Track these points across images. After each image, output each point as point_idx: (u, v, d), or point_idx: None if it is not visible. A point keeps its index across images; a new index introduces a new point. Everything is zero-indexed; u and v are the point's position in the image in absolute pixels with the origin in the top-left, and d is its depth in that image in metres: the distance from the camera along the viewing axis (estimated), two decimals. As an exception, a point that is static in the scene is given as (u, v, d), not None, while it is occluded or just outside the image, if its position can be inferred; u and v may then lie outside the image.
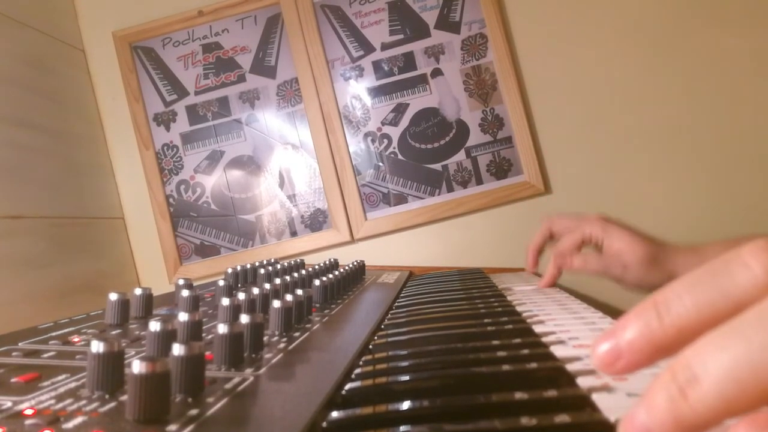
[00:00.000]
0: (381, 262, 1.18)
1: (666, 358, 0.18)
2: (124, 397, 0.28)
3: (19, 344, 0.41)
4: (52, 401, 0.29)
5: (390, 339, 0.48)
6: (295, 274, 0.65)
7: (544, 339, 0.43)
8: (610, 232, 0.71)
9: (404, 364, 0.39)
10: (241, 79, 1.24)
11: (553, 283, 0.75)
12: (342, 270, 0.73)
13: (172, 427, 0.25)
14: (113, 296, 0.49)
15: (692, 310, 0.18)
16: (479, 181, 1.18)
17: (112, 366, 0.29)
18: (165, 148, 1.25)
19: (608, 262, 0.70)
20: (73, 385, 0.31)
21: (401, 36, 1.21)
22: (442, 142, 1.19)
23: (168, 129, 1.25)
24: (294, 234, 1.21)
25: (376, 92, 1.21)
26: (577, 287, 1.12)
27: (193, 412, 0.27)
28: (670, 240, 0.71)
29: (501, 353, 0.39)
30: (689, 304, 0.18)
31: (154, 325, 0.35)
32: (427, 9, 1.21)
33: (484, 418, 0.28)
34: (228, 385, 0.31)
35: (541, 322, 0.50)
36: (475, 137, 1.18)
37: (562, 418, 0.27)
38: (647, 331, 0.19)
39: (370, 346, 0.46)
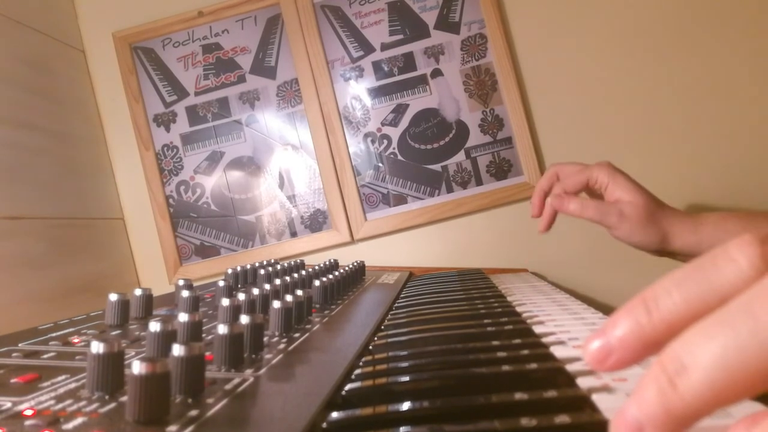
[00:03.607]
0: (381, 262, 1.18)
1: (657, 353, 0.18)
2: (124, 398, 0.28)
3: (19, 345, 0.41)
4: (52, 402, 0.29)
5: (390, 340, 0.48)
6: (295, 275, 0.65)
7: (544, 339, 0.43)
8: (616, 179, 0.69)
9: (404, 364, 0.39)
10: (241, 79, 1.24)
11: (550, 225, 0.72)
12: (342, 270, 0.73)
13: (172, 427, 0.25)
14: (113, 297, 0.49)
15: (681, 305, 0.18)
16: (479, 182, 1.18)
17: (111, 367, 0.29)
18: (165, 148, 1.25)
19: (606, 209, 0.68)
20: (73, 385, 0.31)
21: (401, 36, 1.21)
22: (442, 142, 1.19)
23: (168, 130, 1.25)
24: (294, 234, 1.21)
25: (376, 93, 1.21)
26: (577, 287, 1.12)
27: (193, 412, 0.27)
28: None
29: (501, 354, 0.39)
30: (678, 299, 0.18)
31: (154, 326, 0.35)
32: (427, 9, 1.21)
33: (484, 419, 0.28)
34: (228, 386, 0.31)
35: (540, 322, 0.50)
36: (475, 138, 1.18)
37: (562, 419, 0.27)
38: (637, 327, 0.19)
39: (370, 347, 0.46)
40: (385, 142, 1.20)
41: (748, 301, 0.16)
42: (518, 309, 0.57)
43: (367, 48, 1.22)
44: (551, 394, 0.30)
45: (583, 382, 0.32)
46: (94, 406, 0.28)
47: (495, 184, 1.17)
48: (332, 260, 0.89)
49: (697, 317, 0.17)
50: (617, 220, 0.67)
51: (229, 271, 0.77)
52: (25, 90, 1.05)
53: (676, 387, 0.16)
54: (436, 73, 1.20)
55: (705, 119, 1.14)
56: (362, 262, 0.91)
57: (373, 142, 1.21)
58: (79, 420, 0.26)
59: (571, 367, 0.35)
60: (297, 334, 0.45)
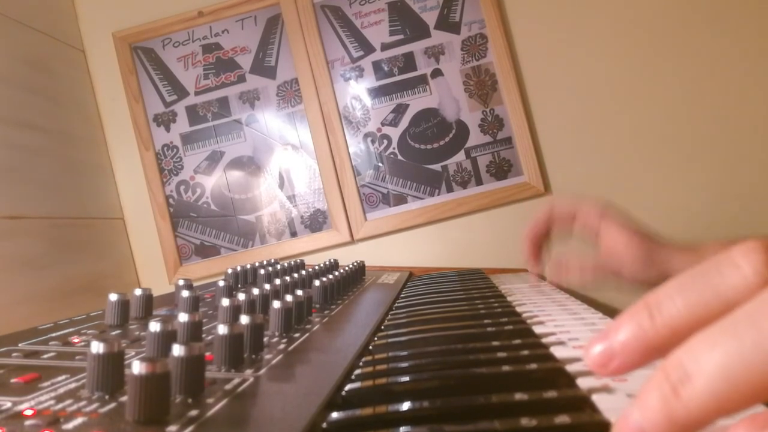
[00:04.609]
0: (381, 262, 1.18)
1: (659, 358, 0.18)
2: (124, 398, 0.28)
3: (19, 345, 0.41)
4: (52, 402, 0.29)
5: (390, 340, 0.48)
6: (295, 275, 0.65)
7: (544, 340, 0.43)
8: (608, 224, 0.68)
9: (404, 364, 0.39)
10: (241, 79, 1.24)
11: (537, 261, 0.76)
12: (342, 270, 0.73)
13: (172, 428, 0.25)
14: (113, 297, 0.49)
15: (684, 311, 0.18)
16: (479, 182, 1.18)
17: (111, 367, 0.29)
18: (165, 148, 1.25)
19: (603, 265, 0.68)
20: (73, 385, 0.31)
21: (401, 36, 1.21)
22: (442, 142, 1.19)
23: (168, 129, 1.25)
24: (294, 234, 1.21)
25: (376, 93, 1.21)
26: (577, 287, 1.12)
27: (193, 412, 0.27)
28: (670, 238, 0.70)
29: (501, 354, 0.39)
30: (681, 305, 0.18)
31: (154, 326, 0.35)
32: (427, 9, 1.21)
33: (484, 419, 0.28)
34: (228, 386, 0.31)
35: (541, 322, 0.50)
36: (475, 138, 1.18)
37: (562, 419, 0.27)
38: (640, 332, 0.19)
39: (370, 347, 0.46)
40: (385, 142, 1.20)
41: (753, 311, 0.16)
42: (518, 309, 0.57)
43: (367, 48, 1.22)
44: (551, 394, 0.30)
45: (583, 383, 0.32)
46: (94, 406, 0.28)
47: (495, 184, 1.17)
48: (332, 260, 0.89)
49: (701, 323, 0.17)
50: (616, 273, 0.67)
51: (229, 271, 0.77)
52: (25, 90, 1.05)
53: (680, 395, 0.16)
54: (437, 73, 1.20)
55: (706, 117, 1.14)
56: (362, 262, 0.90)
57: (373, 142, 1.21)
58: (79, 420, 0.26)
59: (571, 368, 0.35)
60: (297, 334, 0.45)
